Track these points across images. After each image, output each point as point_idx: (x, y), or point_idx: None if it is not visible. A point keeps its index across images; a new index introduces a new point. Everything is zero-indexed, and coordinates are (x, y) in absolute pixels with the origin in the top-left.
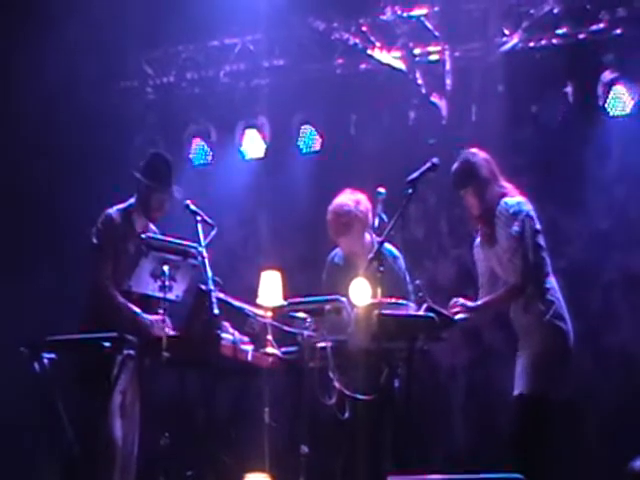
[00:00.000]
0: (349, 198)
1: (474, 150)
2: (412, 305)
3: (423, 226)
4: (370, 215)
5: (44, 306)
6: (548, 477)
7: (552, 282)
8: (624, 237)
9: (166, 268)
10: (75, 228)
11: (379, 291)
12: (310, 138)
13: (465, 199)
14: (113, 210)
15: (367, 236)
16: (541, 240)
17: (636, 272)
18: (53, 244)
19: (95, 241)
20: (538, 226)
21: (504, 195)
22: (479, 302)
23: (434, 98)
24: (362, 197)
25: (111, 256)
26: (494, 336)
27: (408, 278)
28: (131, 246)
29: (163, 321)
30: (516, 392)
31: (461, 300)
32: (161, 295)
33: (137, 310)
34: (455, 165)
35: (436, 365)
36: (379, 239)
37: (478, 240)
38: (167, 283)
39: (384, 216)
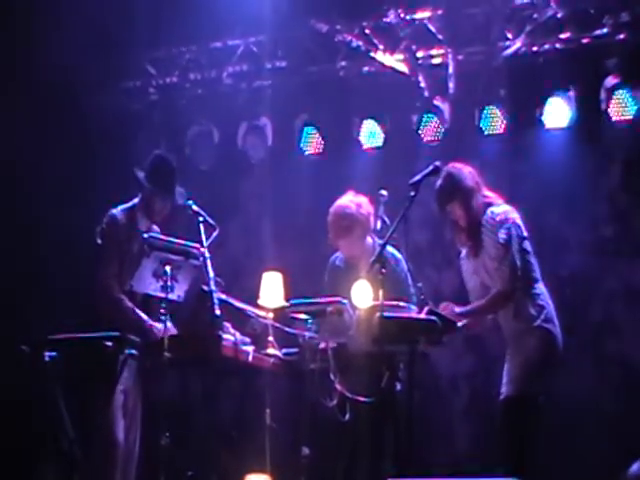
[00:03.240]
0: (351, 200)
1: (456, 164)
2: (414, 308)
3: (426, 228)
4: (371, 219)
5: (46, 304)
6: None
7: (541, 288)
8: (627, 245)
9: (168, 268)
10: (78, 228)
11: (381, 293)
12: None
13: (452, 212)
14: (117, 210)
15: (368, 239)
16: (528, 246)
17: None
18: (55, 243)
19: (99, 241)
20: (525, 233)
21: (490, 204)
22: (467, 307)
23: (437, 101)
24: (364, 200)
25: (116, 256)
26: (495, 340)
27: (410, 281)
28: (135, 246)
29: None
30: (504, 394)
31: (450, 305)
32: (163, 295)
33: (144, 317)
34: (439, 182)
35: (436, 368)
36: (381, 242)
37: (464, 252)
38: (169, 283)
39: (386, 218)
